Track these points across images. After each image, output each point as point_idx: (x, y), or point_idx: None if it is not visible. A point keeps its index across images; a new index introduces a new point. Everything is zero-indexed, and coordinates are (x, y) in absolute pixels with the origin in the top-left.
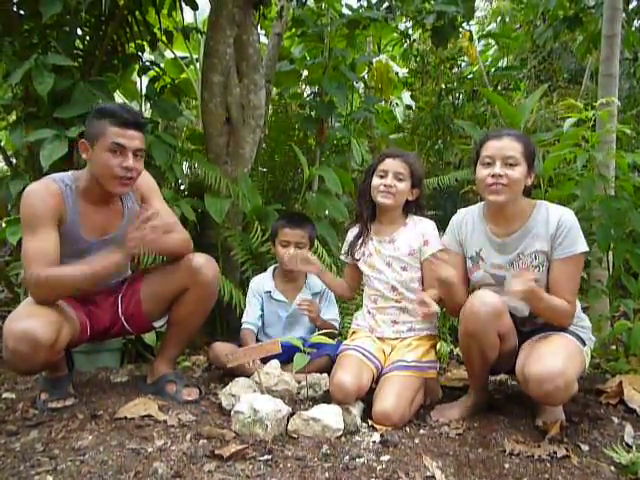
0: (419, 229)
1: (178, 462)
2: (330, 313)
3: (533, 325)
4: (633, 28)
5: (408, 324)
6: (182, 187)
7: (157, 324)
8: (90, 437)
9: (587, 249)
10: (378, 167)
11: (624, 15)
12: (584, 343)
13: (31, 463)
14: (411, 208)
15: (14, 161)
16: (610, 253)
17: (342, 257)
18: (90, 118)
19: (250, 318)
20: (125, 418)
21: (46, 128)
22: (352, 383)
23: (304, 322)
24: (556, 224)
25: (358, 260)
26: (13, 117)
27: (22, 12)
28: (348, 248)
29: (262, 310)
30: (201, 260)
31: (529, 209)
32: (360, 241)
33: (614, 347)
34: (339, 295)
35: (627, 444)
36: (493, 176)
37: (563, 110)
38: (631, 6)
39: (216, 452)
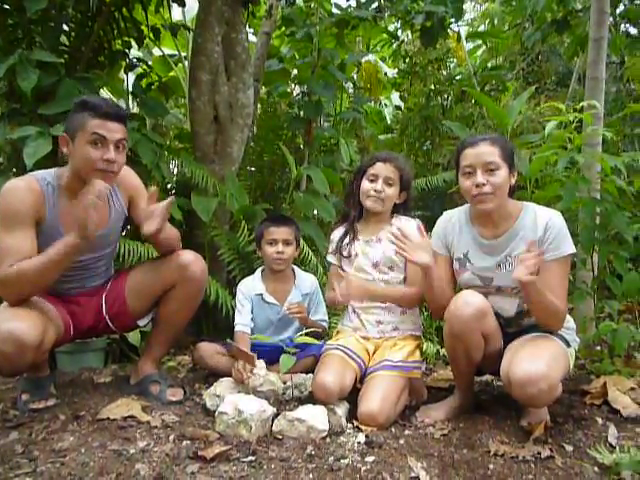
0: (403, 228)
1: (161, 463)
2: (319, 313)
3: (518, 326)
4: (620, 32)
5: (393, 324)
6: (169, 186)
7: (141, 322)
8: (71, 438)
9: (574, 250)
10: (368, 170)
11: (611, 19)
12: (568, 344)
13: (10, 465)
14: (398, 209)
15: None
16: (595, 254)
17: (329, 258)
18: (71, 112)
19: (243, 320)
20: (108, 419)
21: (30, 125)
22: (334, 383)
23: (294, 324)
24: (544, 227)
25: (347, 258)
26: None
27: (6, 6)
28: (335, 248)
29: (252, 313)
30: (189, 256)
31: (516, 211)
32: (346, 241)
33: (599, 348)
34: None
35: (611, 445)
36: (477, 186)
37: (550, 112)
38: (618, 10)
39: (199, 453)
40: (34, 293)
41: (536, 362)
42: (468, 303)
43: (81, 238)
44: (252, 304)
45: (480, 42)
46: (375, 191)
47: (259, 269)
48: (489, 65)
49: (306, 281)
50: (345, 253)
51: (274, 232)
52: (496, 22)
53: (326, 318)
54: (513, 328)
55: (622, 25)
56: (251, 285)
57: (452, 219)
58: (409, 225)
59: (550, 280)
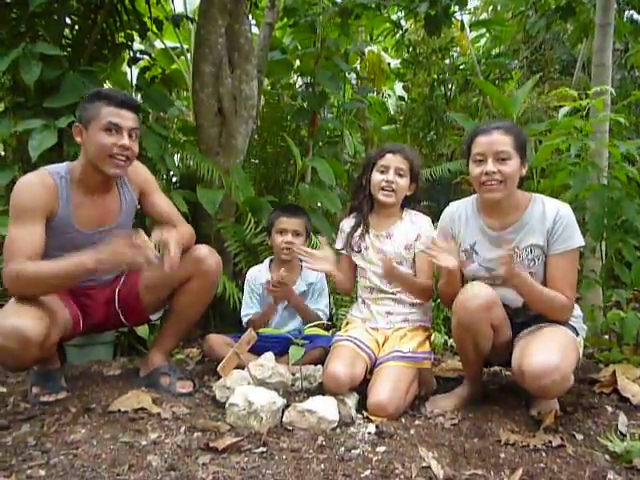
0: (416, 224)
1: (172, 455)
2: (319, 304)
3: (526, 317)
4: (624, 18)
5: (402, 315)
6: (174, 179)
7: (153, 317)
8: (83, 431)
9: (583, 243)
10: (378, 162)
11: (615, 6)
12: (577, 333)
13: (23, 457)
14: (408, 202)
15: (2, 152)
16: (603, 243)
17: (337, 247)
18: (83, 102)
19: (252, 310)
20: (118, 411)
21: (35, 118)
22: (345, 373)
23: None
24: (553, 219)
25: (358, 252)
26: (1, 107)
27: (9, 0)
28: (345, 240)
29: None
30: (205, 250)
31: (524, 202)
32: (357, 234)
33: (607, 337)
34: (341, 288)
35: (621, 433)
36: (487, 174)
37: (557, 100)
38: None
39: (211, 445)
40: (42, 295)
41: (549, 354)
42: (476, 295)
43: (97, 265)
44: (259, 294)
45: (483, 31)
46: (387, 182)
47: (267, 259)
48: (493, 54)
49: (311, 272)
50: (355, 246)
51: (284, 222)
52: (499, 10)
53: (327, 311)
54: (521, 318)
55: (626, 11)
56: (257, 274)
57: (459, 209)
58: (421, 220)
59: (558, 273)
